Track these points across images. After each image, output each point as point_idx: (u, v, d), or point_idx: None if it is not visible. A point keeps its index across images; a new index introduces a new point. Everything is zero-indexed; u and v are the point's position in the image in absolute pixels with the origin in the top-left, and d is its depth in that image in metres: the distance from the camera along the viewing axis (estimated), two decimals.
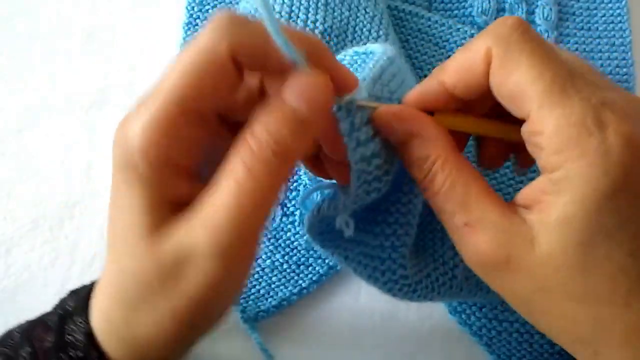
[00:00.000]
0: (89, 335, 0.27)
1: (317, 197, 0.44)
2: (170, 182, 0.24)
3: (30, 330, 0.29)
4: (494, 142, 0.31)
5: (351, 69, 0.32)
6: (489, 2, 0.50)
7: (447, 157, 0.27)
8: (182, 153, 0.25)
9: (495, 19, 0.50)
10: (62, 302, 0.30)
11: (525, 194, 0.26)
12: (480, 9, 0.50)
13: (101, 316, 0.27)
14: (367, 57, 0.33)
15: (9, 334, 0.30)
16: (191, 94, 0.24)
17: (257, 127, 0.23)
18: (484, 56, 0.26)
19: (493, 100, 0.27)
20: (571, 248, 0.24)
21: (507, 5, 0.50)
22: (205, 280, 0.24)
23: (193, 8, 0.51)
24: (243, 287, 0.28)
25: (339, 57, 0.33)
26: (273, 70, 0.25)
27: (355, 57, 0.33)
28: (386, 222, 0.33)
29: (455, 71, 0.27)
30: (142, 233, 0.24)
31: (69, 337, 0.28)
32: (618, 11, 0.51)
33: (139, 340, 0.26)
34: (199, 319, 0.26)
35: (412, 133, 0.27)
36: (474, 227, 0.25)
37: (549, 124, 0.24)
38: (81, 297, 0.29)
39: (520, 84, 0.24)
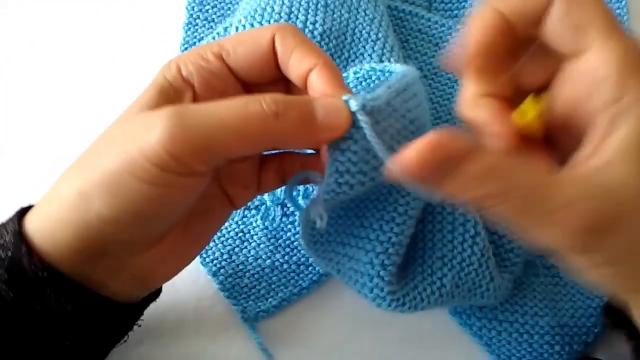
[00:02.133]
0: (18, 234, 0.28)
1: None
2: (182, 91, 0.30)
3: None
4: None
5: (364, 83, 0.32)
6: None
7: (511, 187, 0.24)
8: (200, 80, 0.30)
9: None
10: None
11: (591, 138, 0.25)
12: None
13: (38, 217, 0.29)
14: (384, 74, 0.33)
15: None
16: (232, 48, 0.30)
17: (280, 95, 0.27)
18: None
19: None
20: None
21: None
22: (147, 135, 0.25)
23: (193, 8, 0.51)
24: (184, 199, 0.29)
25: (353, 70, 0.34)
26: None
27: (370, 73, 0.33)
28: (378, 240, 0.33)
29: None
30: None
31: (0, 240, 0.29)
32: (618, 11, 0.51)
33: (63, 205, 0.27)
34: (128, 187, 0.26)
35: (462, 157, 0.24)
36: (564, 204, 0.24)
37: (616, 52, 0.25)
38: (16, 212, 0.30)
39: (586, 15, 0.26)
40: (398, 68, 0.32)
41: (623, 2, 0.51)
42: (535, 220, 0.25)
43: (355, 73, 0.34)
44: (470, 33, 0.28)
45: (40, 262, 0.28)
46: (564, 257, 0.26)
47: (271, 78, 0.31)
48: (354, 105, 0.27)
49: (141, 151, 0.26)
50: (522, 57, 0.29)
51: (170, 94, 0.29)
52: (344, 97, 0.28)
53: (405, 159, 0.23)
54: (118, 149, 0.27)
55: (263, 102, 0.26)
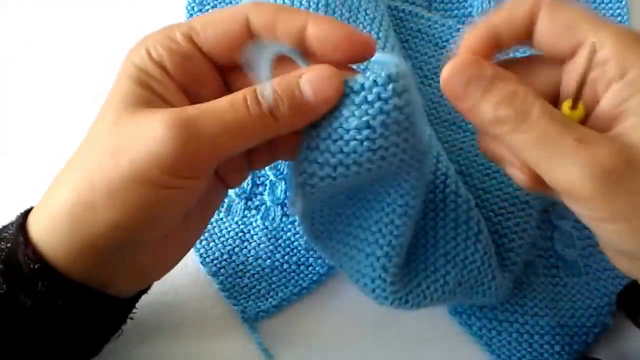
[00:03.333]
0: (20, 225, 0.29)
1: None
2: (158, 76, 0.28)
3: None
4: None
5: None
6: (489, 2, 0.50)
7: (529, 90, 0.27)
8: (173, 64, 0.28)
9: None
10: None
11: (598, 116, 0.27)
12: (480, 9, 0.50)
13: (42, 208, 0.29)
14: (372, 65, 0.33)
15: None
16: (201, 28, 0.28)
17: (268, 88, 0.27)
18: (532, 1, 0.28)
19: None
20: None
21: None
22: (149, 146, 0.26)
23: (193, 8, 0.51)
24: (186, 199, 0.29)
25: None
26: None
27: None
28: (378, 244, 0.33)
29: (501, 14, 0.29)
30: (115, 110, 0.28)
31: (4, 233, 0.30)
32: (618, 11, 0.51)
33: (66, 211, 0.27)
34: (134, 194, 0.27)
35: (495, 75, 0.27)
36: (588, 140, 0.25)
37: (611, 36, 0.26)
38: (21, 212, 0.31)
39: (573, 15, 0.27)
40: (381, 57, 0.30)
41: (623, 2, 0.51)
42: (554, 154, 0.25)
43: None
44: (460, 50, 0.29)
45: (34, 254, 0.28)
46: (572, 204, 0.27)
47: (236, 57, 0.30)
48: (380, 77, 0.26)
49: (150, 162, 0.26)
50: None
51: (146, 80, 0.28)
52: (359, 78, 0.27)
53: (450, 66, 0.27)
54: (123, 159, 0.26)
55: (258, 101, 0.27)
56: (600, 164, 0.24)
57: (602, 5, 0.51)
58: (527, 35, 0.29)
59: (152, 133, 0.26)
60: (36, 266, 0.28)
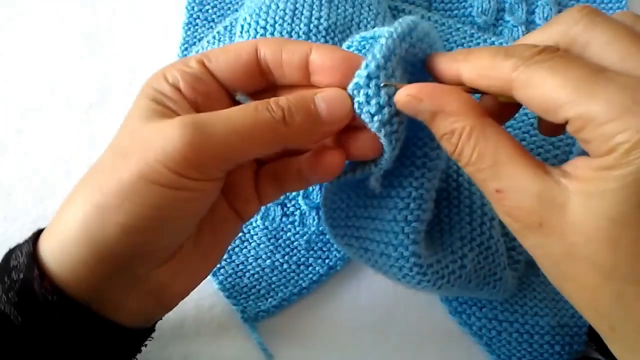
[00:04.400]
0: (31, 255, 0.28)
1: (317, 196, 0.44)
2: (172, 96, 0.29)
3: None
4: None
5: (360, 54, 0.32)
6: (489, 2, 0.50)
7: (473, 128, 0.27)
8: (186, 85, 0.30)
9: (495, 19, 0.50)
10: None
11: (569, 164, 0.26)
12: (480, 9, 0.50)
13: (51, 234, 0.29)
14: (375, 41, 0.32)
15: None
16: (214, 56, 0.30)
17: (283, 99, 0.29)
18: (509, 71, 0.26)
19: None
20: (604, 222, 0.24)
21: (507, 5, 0.50)
22: (163, 144, 0.26)
23: (193, 8, 0.51)
24: (200, 205, 0.30)
25: (346, 44, 0.34)
26: (285, 71, 0.31)
27: (362, 43, 0.33)
28: (399, 196, 0.33)
29: (477, 74, 0.28)
30: (133, 122, 0.29)
31: (14, 262, 0.29)
32: (618, 11, 0.51)
33: (77, 227, 0.27)
34: (146, 196, 0.27)
35: (434, 111, 0.28)
36: (505, 193, 0.26)
37: (589, 116, 0.23)
38: (30, 236, 0.31)
39: (547, 96, 0.25)
40: (385, 31, 0.31)
41: (623, 2, 0.51)
42: (484, 192, 0.27)
43: (348, 47, 0.33)
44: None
45: (51, 286, 0.28)
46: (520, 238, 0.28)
47: (255, 88, 0.32)
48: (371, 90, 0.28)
49: (160, 160, 0.26)
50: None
51: (161, 99, 0.29)
52: (350, 87, 0.29)
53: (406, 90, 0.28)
54: (134, 158, 0.27)
55: (270, 109, 0.28)
56: (511, 216, 0.26)
57: (602, 6, 0.51)
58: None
59: (163, 133, 0.27)
60: (54, 298, 0.28)
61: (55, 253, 0.28)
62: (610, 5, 0.51)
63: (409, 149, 0.33)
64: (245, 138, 0.27)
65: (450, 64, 0.29)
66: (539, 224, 0.25)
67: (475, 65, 0.28)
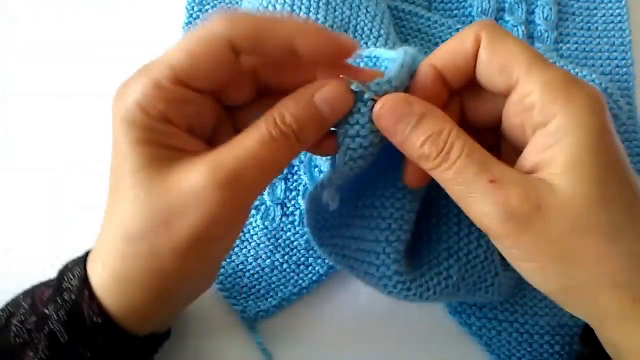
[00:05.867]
0: (84, 280, 0.30)
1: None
2: (166, 130, 0.28)
3: (33, 289, 0.33)
4: None
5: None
6: (489, 2, 0.50)
7: (459, 128, 0.28)
8: (175, 113, 0.28)
9: (495, 19, 0.50)
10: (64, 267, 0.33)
11: (526, 159, 0.28)
12: (480, 9, 0.50)
13: (99, 263, 0.30)
14: (370, 61, 0.33)
15: (15, 297, 0.34)
16: (186, 67, 0.27)
17: (286, 111, 0.28)
18: (473, 40, 0.29)
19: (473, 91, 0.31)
20: (587, 185, 0.26)
21: (507, 5, 0.50)
22: (205, 210, 0.27)
23: (193, 8, 0.51)
24: (236, 237, 0.32)
25: None
26: (267, 57, 0.30)
27: (357, 61, 0.33)
28: (381, 217, 0.34)
29: (445, 54, 0.30)
30: (141, 175, 0.27)
31: (67, 284, 0.31)
32: (618, 11, 0.51)
33: (136, 277, 0.29)
34: (198, 254, 0.28)
35: (423, 112, 0.29)
36: (501, 182, 0.27)
37: (539, 81, 0.27)
38: (80, 256, 0.32)
39: (508, 55, 0.28)
40: (384, 53, 0.33)
41: (623, 2, 0.51)
42: (470, 192, 0.27)
43: None
44: (412, 89, 0.31)
45: (99, 309, 0.30)
46: (493, 241, 0.29)
47: (229, 79, 0.30)
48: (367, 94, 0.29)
49: (207, 225, 0.27)
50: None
51: (159, 140, 0.28)
52: (353, 87, 0.29)
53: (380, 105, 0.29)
54: (179, 227, 0.27)
55: (284, 132, 0.28)
56: (509, 206, 0.26)
57: (602, 5, 0.51)
58: (472, 74, 0.30)
59: (203, 197, 0.27)
60: (99, 320, 0.30)
61: (107, 285, 0.30)
62: (610, 5, 0.51)
63: (391, 170, 0.33)
64: (272, 170, 0.29)
65: (421, 67, 0.31)
66: (537, 207, 0.26)
67: (442, 50, 0.31)
